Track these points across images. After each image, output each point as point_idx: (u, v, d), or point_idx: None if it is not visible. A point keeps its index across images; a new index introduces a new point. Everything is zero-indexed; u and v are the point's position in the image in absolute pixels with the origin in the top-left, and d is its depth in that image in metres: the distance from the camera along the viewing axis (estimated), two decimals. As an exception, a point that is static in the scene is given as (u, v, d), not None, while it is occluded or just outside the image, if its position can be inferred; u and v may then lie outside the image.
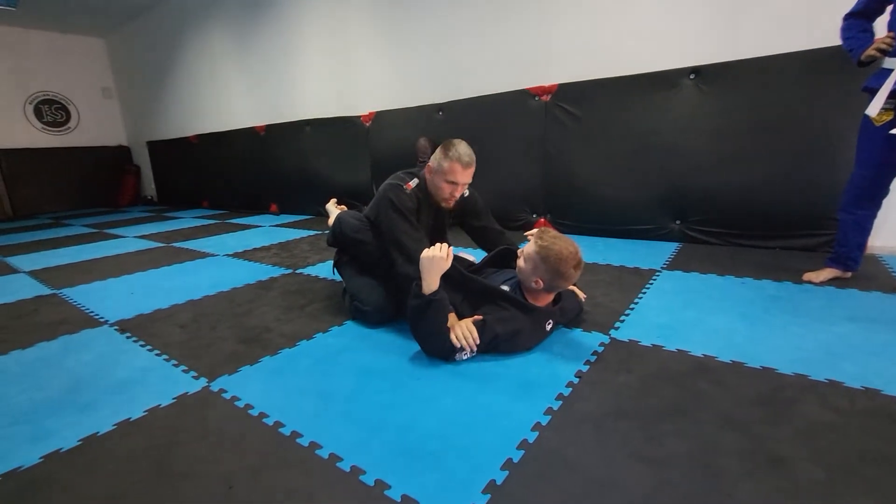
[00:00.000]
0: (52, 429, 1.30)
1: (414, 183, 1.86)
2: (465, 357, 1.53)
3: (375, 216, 1.90)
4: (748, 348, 1.53)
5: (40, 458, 1.17)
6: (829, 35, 2.22)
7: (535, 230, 1.67)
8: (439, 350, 1.53)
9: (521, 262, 1.60)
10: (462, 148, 1.76)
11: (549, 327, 1.65)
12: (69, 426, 1.30)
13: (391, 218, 1.77)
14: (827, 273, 2.13)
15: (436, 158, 1.80)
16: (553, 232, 1.57)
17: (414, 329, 1.58)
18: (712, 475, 0.98)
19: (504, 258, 1.92)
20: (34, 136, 7.45)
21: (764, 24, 2.65)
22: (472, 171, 1.79)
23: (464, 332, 1.51)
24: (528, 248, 1.58)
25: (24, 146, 7.33)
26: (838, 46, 2.02)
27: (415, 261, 1.66)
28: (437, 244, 1.53)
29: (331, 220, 2.39)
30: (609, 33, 3.18)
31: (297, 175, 5.47)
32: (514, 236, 2.19)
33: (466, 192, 2.00)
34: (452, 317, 1.60)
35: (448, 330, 1.52)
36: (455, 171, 1.75)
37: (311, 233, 4.26)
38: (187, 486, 1.04)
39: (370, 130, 4.65)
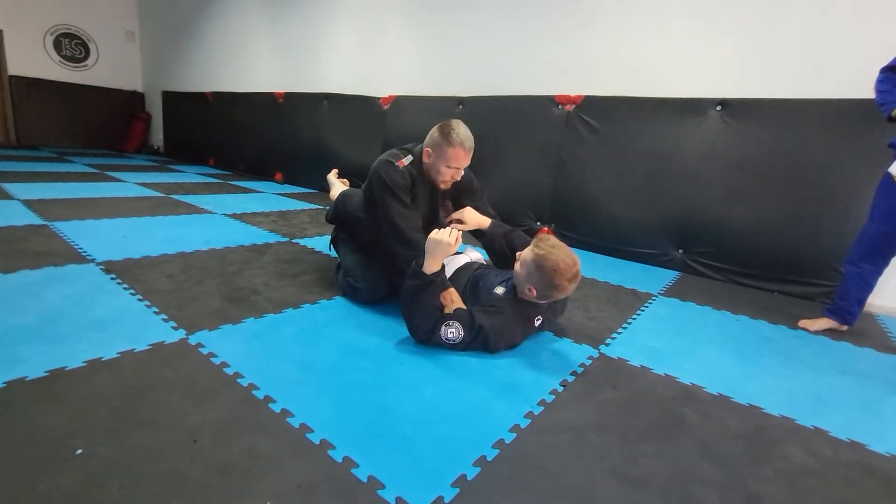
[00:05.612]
0: (21, 356, 1.26)
1: (408, 160, 1.78)
2: (451, 338, 1.47)
3: (369, 194, 1.85)
4: (737, 384, 1.50)
5: (4, 382, 1.13)
6: (860, 86, 2.20)
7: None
8: (427, 332, 1.49)
9: (517, 267, 1.57)
10: (462, 131, 1.70)
11: (537, 323, 1.62)
12: (39, 355, 1.27)
13: (383, 198, 1.73)
14: (823, 323, 2.11)
15: (434, 142, 1.73)
16: (553, 240, 1.52)
17: (405, 308, 1.54)
18: (688, 503, 0.96)
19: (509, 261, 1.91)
20: (50, 67, 7.33)
21: (798, 67, 2.62)
22: (471, 153, 1.74)
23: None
24: (525, 253, 1.54)
25: (38, 76, 7.23)
26: (867, 99, 2.01)
27: (410, 242, 1.64)
28: (448, 228, 1.49)
29: (333, 193, 2.34)
30: (642, 52, 3.15)
31: (308, 147, 5.40)
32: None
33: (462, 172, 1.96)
34: (454, 293, 1.65)
35: (440, 314, 1.50)
36: (458, 156, 1.70)
37: (313, 206, 4.21)
38: (150, 434, 1.00)
39: (388, 114, 4.60)
